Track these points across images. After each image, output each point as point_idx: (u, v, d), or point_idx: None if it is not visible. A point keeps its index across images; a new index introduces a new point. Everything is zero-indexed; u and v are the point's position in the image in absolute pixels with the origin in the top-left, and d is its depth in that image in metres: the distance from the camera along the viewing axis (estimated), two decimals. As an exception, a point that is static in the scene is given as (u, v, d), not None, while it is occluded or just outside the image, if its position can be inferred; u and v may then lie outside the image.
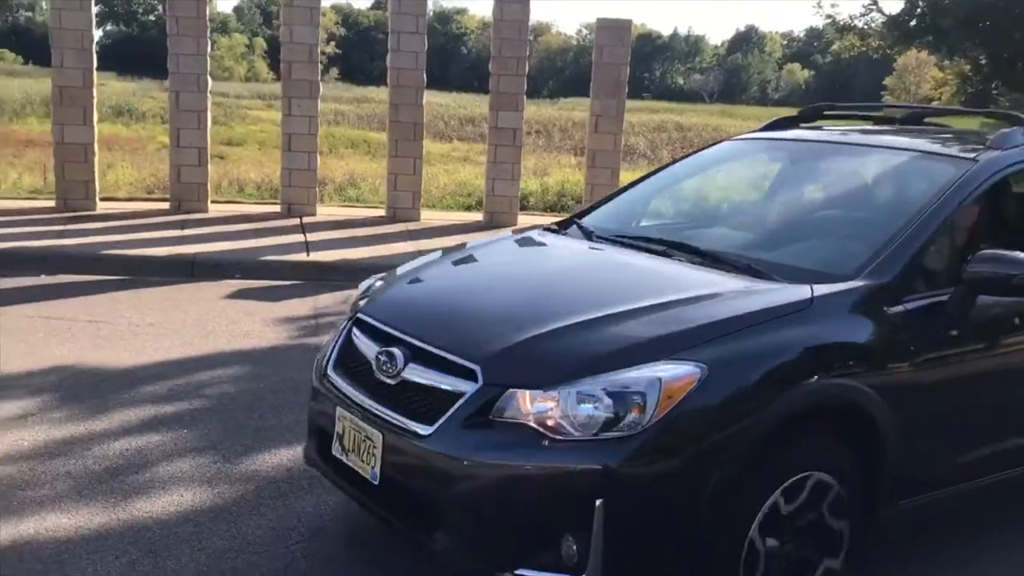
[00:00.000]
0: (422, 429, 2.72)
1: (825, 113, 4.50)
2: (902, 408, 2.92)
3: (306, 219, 9.78)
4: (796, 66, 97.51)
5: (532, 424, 2.58)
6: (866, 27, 16.94)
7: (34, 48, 62.96)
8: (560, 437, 2.55)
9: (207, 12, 9.78)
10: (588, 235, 3.81)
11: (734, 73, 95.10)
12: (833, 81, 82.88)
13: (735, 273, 3.14)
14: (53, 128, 9.50)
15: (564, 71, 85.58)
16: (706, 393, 2.57)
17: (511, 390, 2.62)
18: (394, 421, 2.83)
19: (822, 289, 2.94)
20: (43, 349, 5.48)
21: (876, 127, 4.42)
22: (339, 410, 3.07)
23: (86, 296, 6.86)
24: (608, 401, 2.55)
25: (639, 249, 3.51)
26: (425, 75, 10.18)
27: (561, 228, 4.01)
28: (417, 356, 2.89)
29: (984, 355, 3.26)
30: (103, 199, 9.88)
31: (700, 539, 2.59)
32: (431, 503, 2.73)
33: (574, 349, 2.69)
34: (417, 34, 10.14)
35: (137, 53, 58.20)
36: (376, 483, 2.89)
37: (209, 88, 9.85)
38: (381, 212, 10.58)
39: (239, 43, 70.53)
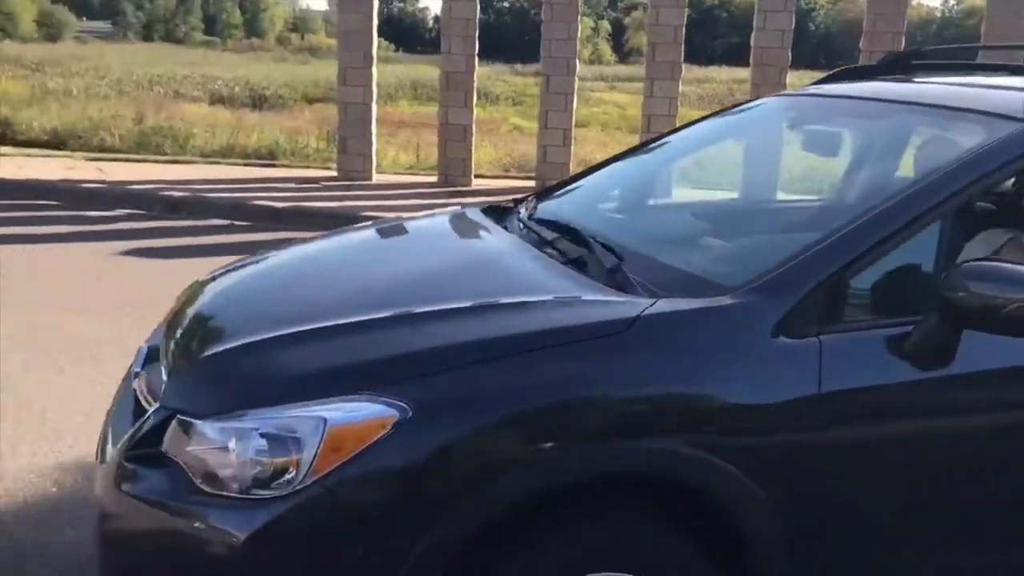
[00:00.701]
0: (110, 452, 2.15)
1: (915, 62, 3.16)
2: (795, 495, 1.95)
3: (662, 199, 9.92)
4: None
5: (185, 466, 1.92)
6: None
7: (404, 36, 69.41)
8: (209, 490, 1.88)
9: (579, -2, 10.19)
10: (522, 216, 2.91)
11: None
12: None
13: (591, 277, 2.25)
14: (439, 110, 10.44)
15: (924, 45, 78.78)
16: (404, 447, 1.79)
17: (179, 416, 1.98)
18: (108, 435, 2.27)
19: (664, 307, 2.01)
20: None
21: (971, 77, 2.90)
22: None
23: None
24: (263, 446, 1.84)
25: (528, 238, 2.65)
26: (790, 54, 9.89)
27: (517, 204, 3.15)
28: (156, 356, 2.38)
29: (959, 421, 2.11)
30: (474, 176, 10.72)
31: None
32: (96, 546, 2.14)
33: (261, 370, 2.00)
34: (784, 12, 9.87)
35: (490, 38, 62.07)
36: None
37: (577, 71, 10.27)
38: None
39: (585, 26, 72.75)
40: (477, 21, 10.23)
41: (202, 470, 1.89)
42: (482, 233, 2.88)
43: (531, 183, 10.59)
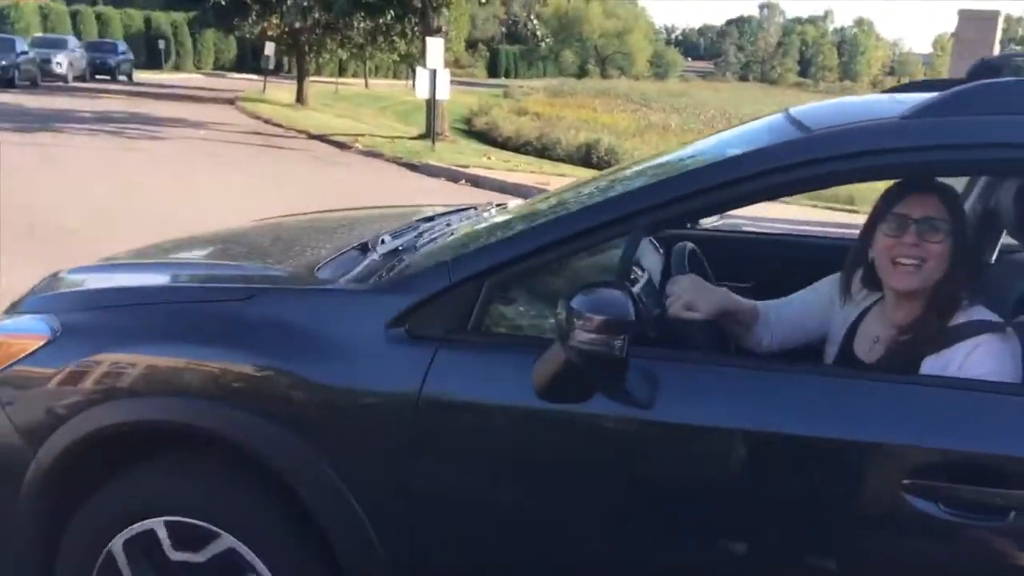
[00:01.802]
0: None
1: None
2: (378, 489, 1.84)
3: None
4: None
5: None
6: None
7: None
8: None
9: None
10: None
11: None
12: None
13: (350, 261, 2.19)
14: None
15: None
16: (39, 363, 2.01)
17: None
18: None
19: (293, 286, 2.15)
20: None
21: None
22: None
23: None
24: None
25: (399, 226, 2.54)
26: None
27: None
28: None
29: (567, 468, 1.79)
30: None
31: None
32: None
33: (68, 286, 2.33)
34: None
35: None
36: None
37: None
38: None
39: None
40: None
41: None
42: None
43: None
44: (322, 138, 16.34)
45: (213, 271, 2.37)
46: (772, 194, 1.89)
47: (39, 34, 33.87)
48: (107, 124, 15.51)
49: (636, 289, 2.11)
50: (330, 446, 1.83)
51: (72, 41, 31.68)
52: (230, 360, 1.90)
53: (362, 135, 16.67)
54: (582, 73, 71.15)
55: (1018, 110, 1.66)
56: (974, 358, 1.71)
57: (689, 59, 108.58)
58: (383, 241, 2.21)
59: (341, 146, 15.31)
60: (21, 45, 25.43)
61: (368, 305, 1.91)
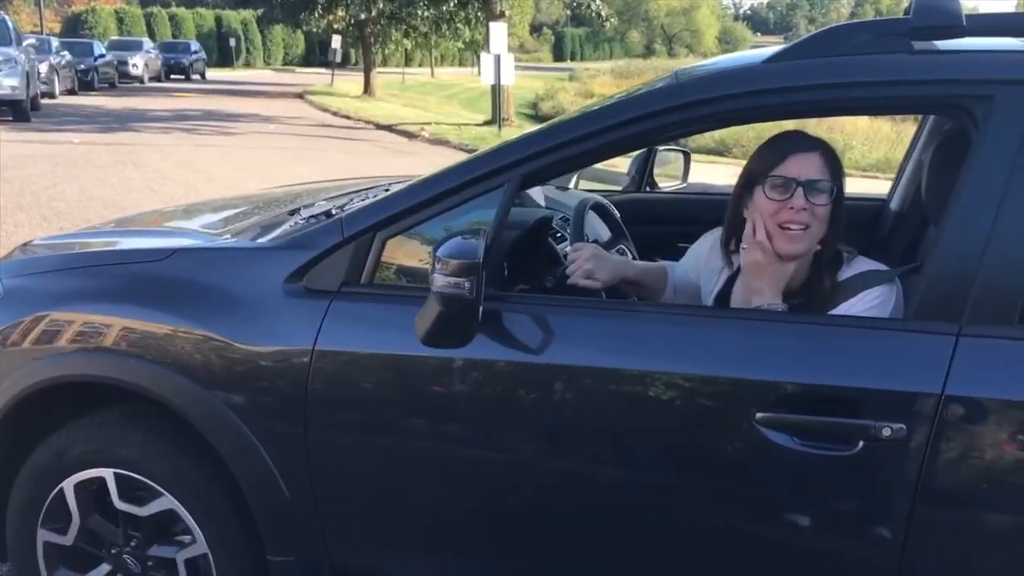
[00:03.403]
0: None
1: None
2: (281, 437, 1.89)
3: None
4: None
5: None
6: None
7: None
8: None
9: None
10: None
11: None
12: None
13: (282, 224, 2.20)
14: None
15: None
16: None
17: None
18: None
19: (215, 244, 2.19)
20: None
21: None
22: None
23: None
24: None
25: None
26: None
27: None
28: None
29: (450, 409, 1.83)
30: None
31: None
32: None
33: (51, 246, 2.52)
34: None
35: None
36: None
37: None
38: None
39: None
40: None
41: None
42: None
43: None
44: (390, 128, 16.48)
45: (146, 236, 2.48)
46: (636, 143, 2.07)
47: (116, 37, 34.88)
48: (182, 122, 15.88)
49: (561, 247, 2.27)
50: (238, 399, 1.87)
51: (147, 43, 32.54)
52: (148, 317, 1.96)
53: (429, 124, 16.74)
54: (649, 53, 70.30)
55: (853, 51, 1.70)
56: (857, 309, 1.75)
57: (758, 34, 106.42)
58: (312, 205, 2.22)
59: (409, 135, 15.41)
60: (99, 49, 26.20)
61: (269, 261, 1.96)
